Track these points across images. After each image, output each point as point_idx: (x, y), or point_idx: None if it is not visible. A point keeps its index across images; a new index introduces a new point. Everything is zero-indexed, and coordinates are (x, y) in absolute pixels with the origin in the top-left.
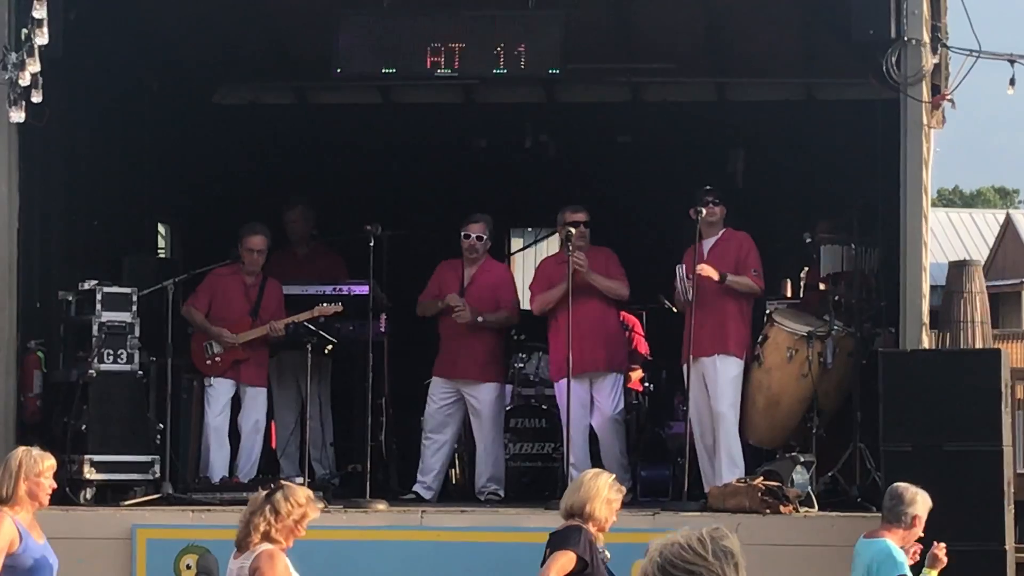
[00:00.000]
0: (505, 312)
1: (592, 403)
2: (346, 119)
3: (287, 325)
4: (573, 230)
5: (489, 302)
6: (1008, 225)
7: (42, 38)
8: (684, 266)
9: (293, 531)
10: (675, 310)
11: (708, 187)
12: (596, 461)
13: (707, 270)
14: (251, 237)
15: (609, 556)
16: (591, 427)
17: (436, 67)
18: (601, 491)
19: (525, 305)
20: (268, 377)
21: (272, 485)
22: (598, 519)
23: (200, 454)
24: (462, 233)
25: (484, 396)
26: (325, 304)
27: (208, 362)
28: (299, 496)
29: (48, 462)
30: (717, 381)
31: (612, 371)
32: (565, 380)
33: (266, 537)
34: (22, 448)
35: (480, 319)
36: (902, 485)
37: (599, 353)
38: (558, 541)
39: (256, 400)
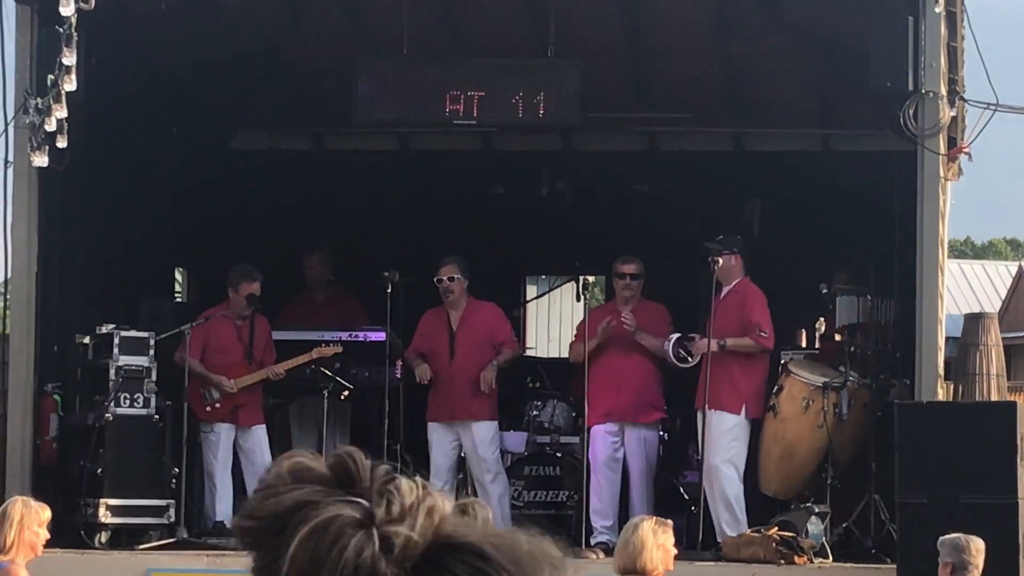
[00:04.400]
0: (510, 351)
1: (625, 450)
2: (364, 165)
3: (289, 369)
4: (591, 278)
5: (484, 345)
6: (1021, 277)
7: (70, 84)
8: (672, 340)
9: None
10: (690, 360)
11: (720, 237)
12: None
13: (701, 348)
14: (251, 284)
15: None
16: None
17: (455, 115)
18: (647, 540)
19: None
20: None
21: None
22: (654, 569)
23: (206, 500)
24: (435, 279)
25: (485, 434)
26: (324, 345)
27: (208, 408)
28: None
29: (46, 513)
30: (711, 434)
31: (649, 422)
32: (595, 427)
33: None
34: (20, 498)
35: (496, 364)
36: (958, 535)
37: (635, 402)
38: None
39: (259, 439)
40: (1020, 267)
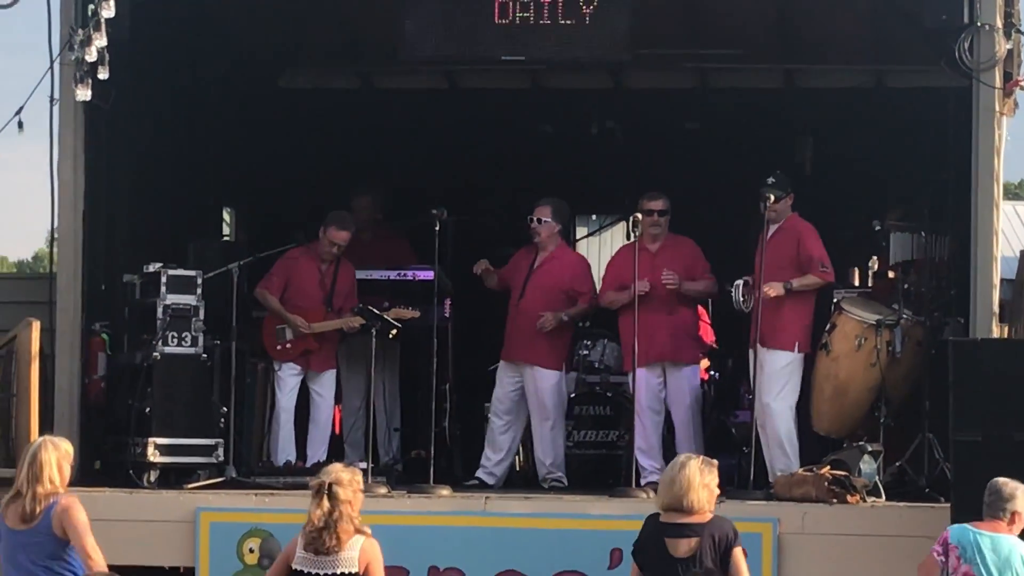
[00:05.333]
0: (585, 305)
1: (667, 391)
2: (412, 104)
3: (354, 309)
4: (641, 216)
5: (555, 293)
6: None
7: (108, 10)
8: (740, 286)
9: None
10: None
11: (771, 180)
12: (666, 448)
13: (774, 289)
14: (339, 231)
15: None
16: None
17: (503, 52)
18: (693, 480)
19: None
20: (337, 362)
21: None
22: (700, 508)
23: (266, 438)
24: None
25: (544, 382)
26: (404, 307)
27: (279, 347)
28: (344, 478)
29: (68, 446)
30: (763, 373)
31: (688, 361)
32: (638, 369)
33: (354, 528)
34: (42, 438)
35: (565, 318)
36: (1001, 480)
37: (675, 342)
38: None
39: (326, 385)
40: None
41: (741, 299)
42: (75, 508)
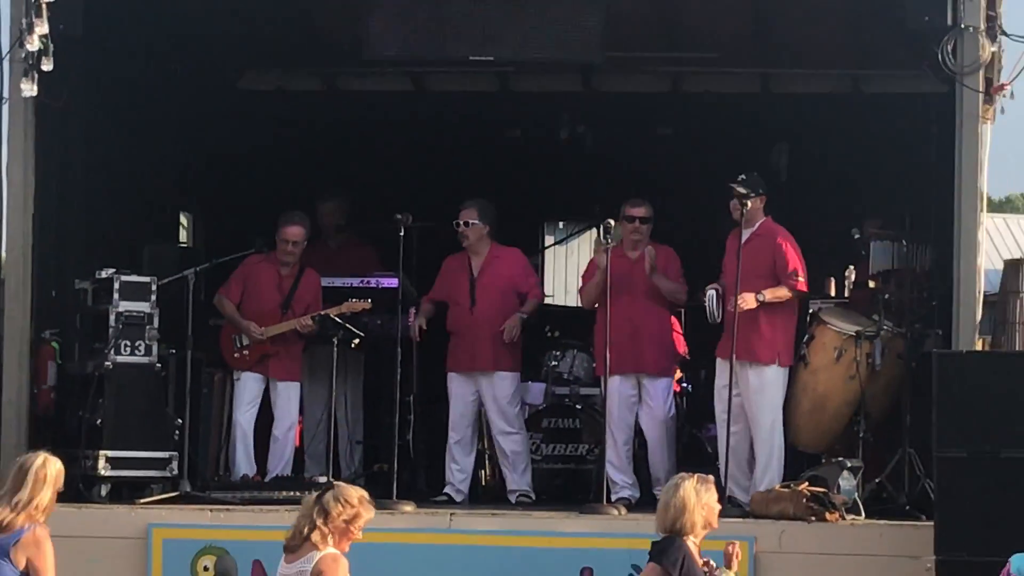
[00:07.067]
0: (535, 300)
1: (641, 404)
2: (376, 107)
3: (313, 317)
4: (612, 222)
5: (506, 293)
6: None
7: None
8: (714, 292)
9: (346, 533)
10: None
11: (741, 177)
12: (637, 463)
13: (747, 303)
14: (288, 227)
15: (715, 565)
16: (637, 428)
17: (470, 52)
18: (688, 501)
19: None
20: (301, 372)
21: (325, 485)
22: (697, 529)
23: (223, 451)
24: (453, 223)
25: (506, 389)
26: (354, 300)
27: (236, 355)
28: (351, 496)
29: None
30: (749, 389)
31: (664, 373)
32: (611, 378)
33: (324, 539)
34: (44, 454)
35: (524, 316)
36: None
37: (651, 353)
38: (656, 553)
39: (288, 396)
40: None
41: (716, 310)
42: (46, 544)
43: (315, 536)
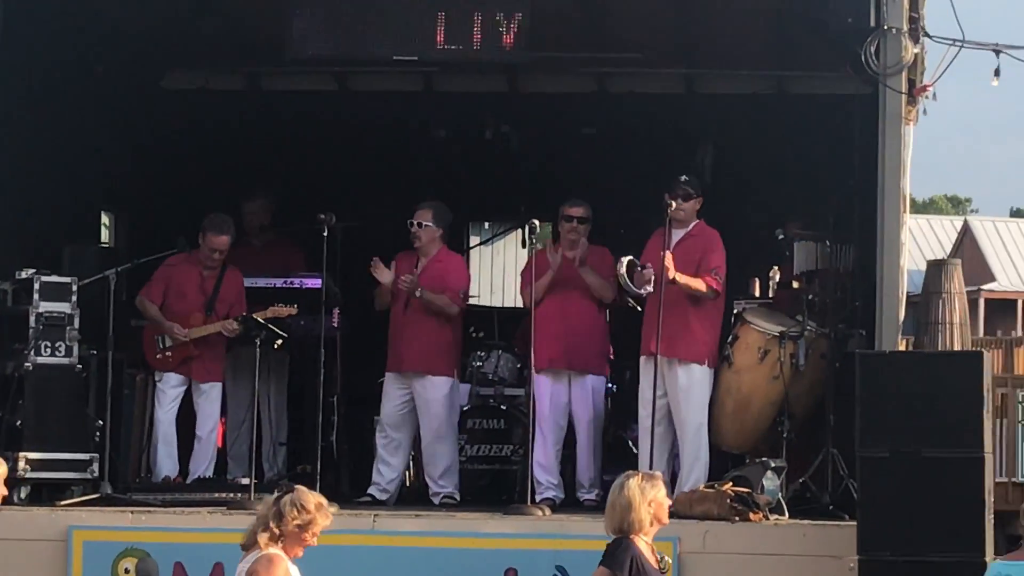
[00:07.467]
0: (447, 297)
1: (572, 403)
2: (300, 106)
3: (237, 319)
4: (537, 222)
5: (435, 290)
6: (966, 232)
7: None
8: (624, 262)
9: (299, 538)
10: (639, 308)
11: (684, 177)
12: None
13: (669, 260)
14: (217, 236)
15: (670, 562)
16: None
17: (394, 52)
18: (634, 499)
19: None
20: (224, 373)
21: (285, 487)
22: (646, 527)
23: (145, 452)
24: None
25: (436, 392)
26: (281, 305)
27: (158, 356)
28: (308, 502)
29: (2, 468)
30: (677, 388)
31: (596, 371)
32: (539, 375)
33: (272, 541)
34: None
35: (418, 293)
36: None
37: (583, 351)
38: (606, 557)
39: (210, 397)
40: (965, 222)
41: (629, 279)
42: None
43: (263, 537)
